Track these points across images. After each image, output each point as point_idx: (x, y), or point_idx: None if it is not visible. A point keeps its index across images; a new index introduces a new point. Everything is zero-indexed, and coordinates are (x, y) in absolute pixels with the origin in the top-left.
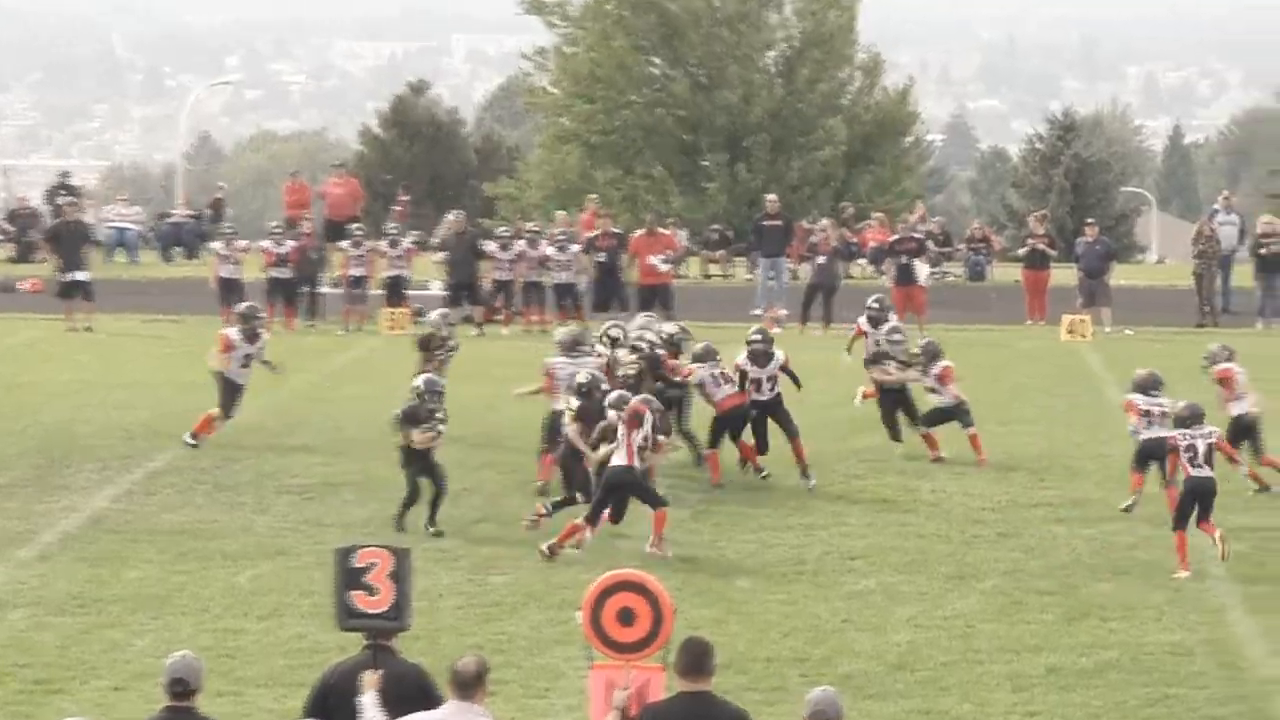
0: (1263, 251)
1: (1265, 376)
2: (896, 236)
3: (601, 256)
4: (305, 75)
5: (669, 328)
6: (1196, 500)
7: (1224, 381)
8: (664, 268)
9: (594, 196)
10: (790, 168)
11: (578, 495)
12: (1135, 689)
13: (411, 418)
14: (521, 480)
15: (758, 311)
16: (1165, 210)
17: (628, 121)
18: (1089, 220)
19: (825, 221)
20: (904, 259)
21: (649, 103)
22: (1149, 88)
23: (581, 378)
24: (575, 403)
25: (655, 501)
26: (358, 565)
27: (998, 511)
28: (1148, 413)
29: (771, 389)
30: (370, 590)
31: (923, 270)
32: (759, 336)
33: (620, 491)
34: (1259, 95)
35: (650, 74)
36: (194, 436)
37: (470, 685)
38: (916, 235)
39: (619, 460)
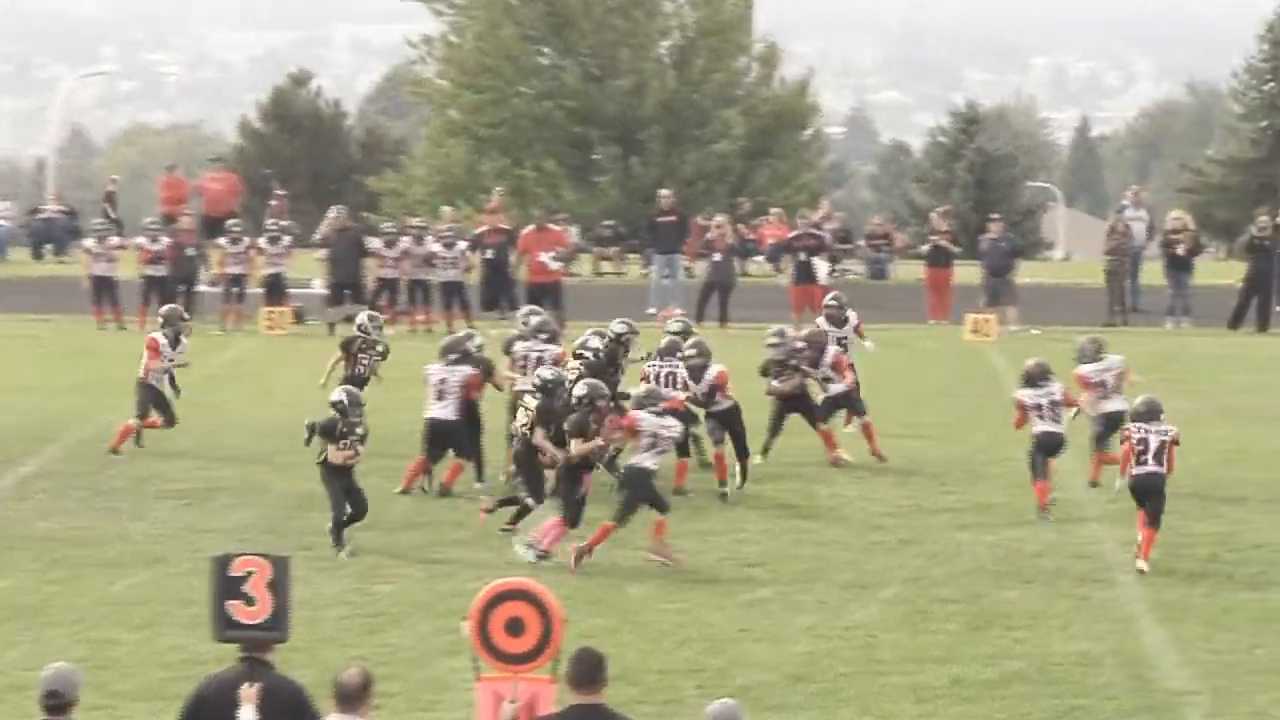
0: (1177, 251)
1: (1173, 376)
2: (795, 233)
3: (490, 253)
4: (181, 66)
5: (617, 326)
6: (1145, 497)
7: (1078, 382)
8: (554, 265)
9: (500, 188)
10: (685, 161)
11: (529, 500)
12: (1041, 700)
13: (328, 432)
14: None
15: (652, 311)
16: (1072, 205)
17: (517, 113)
18: (993, 216)
19: (721, 218)
20: (803, 256)
21: (539, 94)
22: (1056, 79)
23: (546, 374)
24: (532, 401)
25: (623, 515)
26: (235, 574)
27: (899, 517)
28: (1037, 406)
29: (711, 400)
30: (248, 600)
31: (822, 268)
32: (694, 350)
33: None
34: (1170, 86)
35: (540, 64)
36: (115, 449)
37: (354, 698)
38: (815, 232)
39: (649, 463)
